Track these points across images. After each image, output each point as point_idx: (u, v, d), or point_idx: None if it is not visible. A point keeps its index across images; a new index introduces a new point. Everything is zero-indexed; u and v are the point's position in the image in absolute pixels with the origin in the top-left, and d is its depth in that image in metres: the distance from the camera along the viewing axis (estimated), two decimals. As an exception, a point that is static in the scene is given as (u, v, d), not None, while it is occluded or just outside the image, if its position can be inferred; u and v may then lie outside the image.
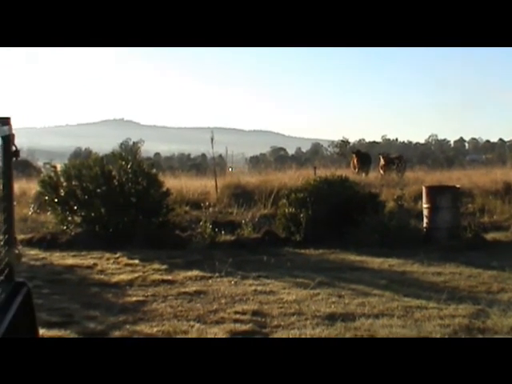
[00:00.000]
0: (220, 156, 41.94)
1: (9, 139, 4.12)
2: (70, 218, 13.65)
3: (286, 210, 13.76)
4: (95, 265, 11.17)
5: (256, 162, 65.30)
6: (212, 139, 20.43)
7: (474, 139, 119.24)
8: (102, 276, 10.38)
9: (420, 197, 14.97)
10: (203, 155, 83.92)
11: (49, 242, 12.92)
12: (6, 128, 4.04)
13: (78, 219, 13.64)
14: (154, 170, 14.57)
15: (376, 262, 11.34)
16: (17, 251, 4.25)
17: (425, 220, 13.69)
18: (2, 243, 4.04)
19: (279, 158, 78.62)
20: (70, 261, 11.51)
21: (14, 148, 4.18)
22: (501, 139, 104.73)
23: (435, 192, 13.90)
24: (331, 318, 7.73)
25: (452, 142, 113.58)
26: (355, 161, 28.38)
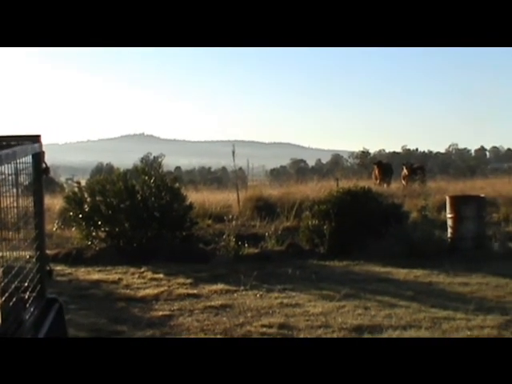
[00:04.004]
0: (241, 169, 41.96)
1: (39, 157, 4.16)
2: (94, 234, 13.71)
3: (310, 222, 13.72)
4: (120, 279, 11.21)
5: (276, 174, 65.30)
6: (233, 152, 20.49)
7: (495, 147, 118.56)
8: (128, 291, 10.42)
9: (443, 207, 14.88)
10: (224, 168, 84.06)
11: (74, 258, 12.96)
12: (36, 146, 4.08)
13: (102, 234, 13.70)
14: (177, 184, 14.59)
15: (401, 273, 11.28)
16: (48, 268, 4.29)
17: (449, 230, 13.59)
18: (33, 260, 4.08)
19: (300, 169, 78.54)
20: (96, 276, 11.56)
21: (44, 165, 4.22)
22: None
23: (459, 202, 13.79)
24: (358, 330, 7.72)
25: (473, 151, 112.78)
26: (377, 172, 28.28)
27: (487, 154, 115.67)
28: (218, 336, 7.63)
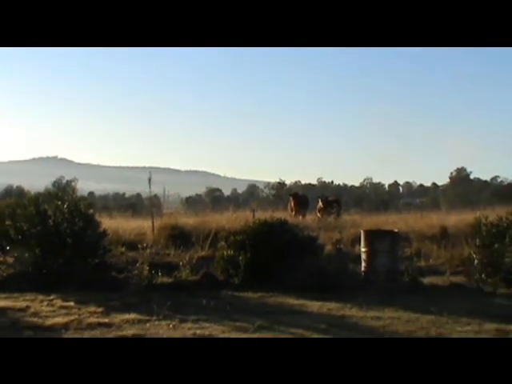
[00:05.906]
0: (156, 196, 41.60)
1: None
2: (1, 259, 13.28)
3: (225, 253, 13.67)
4: (28, 307, 10.82)
5: (192, 202, 65.17)
6: (149, 179, 20.29)
7: (407, 183, 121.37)
8: (36, 319, 10.06)
9: (358, 240, 15.04)
10: (138, 195, 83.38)
11: (-22, 284, 12.50)
12: None
13: (10, 260, 13.28)
14: (91, 210, 14.28)
15: (315, 306, 11.29)
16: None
17: (363, 264, 13.74)
18: None
19: (215, 198, 78.76)
20: (1, 303, 11.13)
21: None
22: (434, 183, 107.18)
23: (373, 236, 13.97)
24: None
25: (386, 186, 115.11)
26: (293, 203, 28.38)
27: (400, 188, 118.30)
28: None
